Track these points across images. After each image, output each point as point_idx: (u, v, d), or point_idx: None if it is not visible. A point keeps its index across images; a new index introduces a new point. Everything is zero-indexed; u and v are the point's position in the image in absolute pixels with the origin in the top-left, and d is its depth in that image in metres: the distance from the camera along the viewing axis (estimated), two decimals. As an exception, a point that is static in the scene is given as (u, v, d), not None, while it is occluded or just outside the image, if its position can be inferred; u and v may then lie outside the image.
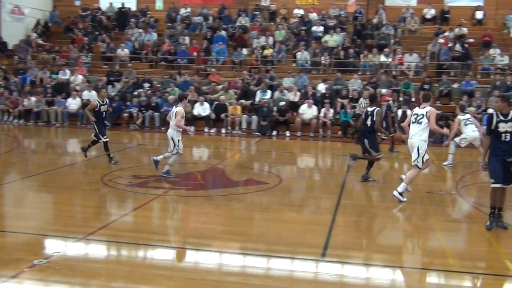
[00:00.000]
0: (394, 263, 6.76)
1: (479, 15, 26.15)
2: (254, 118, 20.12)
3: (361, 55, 23.53)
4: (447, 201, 10.49)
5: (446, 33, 24.17)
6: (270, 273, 6.43)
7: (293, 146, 18.46)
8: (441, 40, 23.40)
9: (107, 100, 13.35)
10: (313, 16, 26.73)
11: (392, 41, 24.20)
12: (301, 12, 27.12)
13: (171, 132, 11.11)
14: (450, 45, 23.10)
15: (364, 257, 6.98)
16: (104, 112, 12.95)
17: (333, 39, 24.26)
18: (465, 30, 24.57)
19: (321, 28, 25.51)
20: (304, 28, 25.74)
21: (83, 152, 12.92)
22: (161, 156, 11.41)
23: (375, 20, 25.75)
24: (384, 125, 14.15)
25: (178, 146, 11.08)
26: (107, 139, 12.79)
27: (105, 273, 6.06)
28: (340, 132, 19.49)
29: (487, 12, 26.30)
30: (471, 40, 23.70)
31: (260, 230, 8.20)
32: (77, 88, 22.29)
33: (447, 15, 26.09)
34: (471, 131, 13.56)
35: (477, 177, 12.89)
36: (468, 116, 13.95)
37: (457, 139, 13.77)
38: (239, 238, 7.59)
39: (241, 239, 7.57)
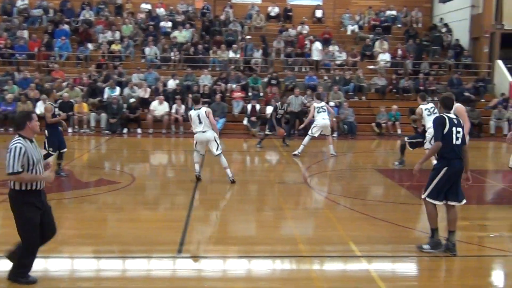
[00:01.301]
0: (249, 254, 6.94)
1: (318, 13, 27.86)
2: (103, 115, 19.42)
3: (210, 51, 23.81)
4: (296, 190, 11.00)
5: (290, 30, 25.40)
6: (126, 275, 6.26)
7: (145, 144, 18.14)
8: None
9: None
10: (161, 11, 26.46)
11: (240, 37, 24.80)
12: (149, 7, 26.70)
13: None
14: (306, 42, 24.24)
15: (220, 250, 7.08)
16: (58, 116, 11.33)
17: (182, 35, 24.22)
18: (306, 27, 25.98)
19: (170, 24, 25.37)
20: (152, 23, 25.37)
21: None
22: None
23: (222, 17, 26.21)
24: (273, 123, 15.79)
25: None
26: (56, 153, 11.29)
27: None
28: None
29: (326, 11, 28.12)
30: (312, 37, 25.06)
31: (114, 231, 7.94)
32: None
33: (290, 13, 27.39)
34: (321, 119, 14.17)
35: (322, 166, 13.73)
36: (322, 104, 14.56)
37: (310, 133, 14.39)
38: (91, 241, 7.28)
39: (94, 242, 7.26)
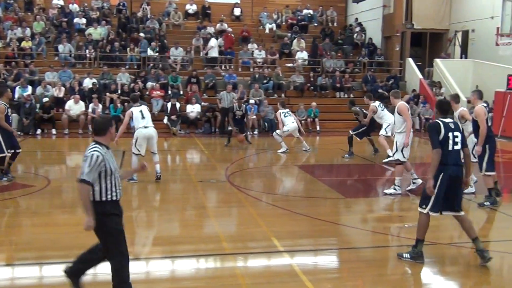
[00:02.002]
0: (173, 254, 6.86)
1: (237, 11, 28.01)
2: (15, 116, 18.43)
3: (128, 49, 23.28)
4: (218, 188, 11.00)
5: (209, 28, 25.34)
6: (43, 282, 6.01)
7: (61, 145, 17.45)
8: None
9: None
10: (74, 7, 25.60)
11: (158, 35, 24.42)
12: (61, 2, 25.78)
13: None
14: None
15: (143, 251, 6.96)
16: (10, 117, 10.72)
17: (97, 32, 23.53)
18: (225, 25, 26.02)
19: (84, 20, 24.58)
20: (65, 19, 24.43)
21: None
22: None
23: (139, 14, 25.71)
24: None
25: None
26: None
27: None
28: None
29: (244, 9, 28.32)
30: (231, 35, 25.14)
31: (29, 237, 7.59)
32: None
33: (208, 11, 27.30)
34: (291, 123, 15.00)
35: (244, 164, 13.81)
36: (287, 109, 15.46)
37: (278, 131, 15.12)
38: (4, 248, 6.92)
39: (7, 249, 6.92)
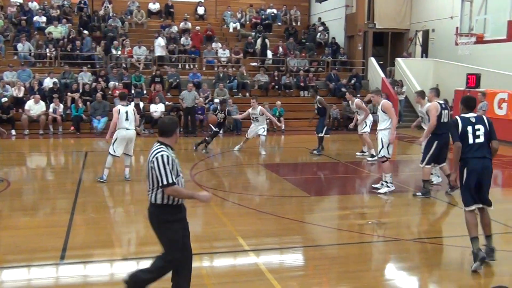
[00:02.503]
0: (137, 255, 6.79)
1: (200, 10, 27.89)
2: (-28, 117, 17.98)
3: (90, 48, 22.90)
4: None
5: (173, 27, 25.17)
6: (3, 287, 5.85)
7: (21, 146, 17.03)
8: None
9: None
10: (34, 5, 25.02)
11: (120, 33, 24.11)
12: (20, 0, 25.12)
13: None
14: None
15: (106, 254, 6.86)
16: None
17: (57, 30, 23.07)
18: (189, 24, 25.88)
19: (44, 19, 24.07)
20: (24, 18, 23.86)
21: None
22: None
23: (101, 12, 25.33)
24: None
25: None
26: None
27: None
28: (72, 128, 18.71)
29: (208, 8, 28.23)
30: (200, 33, 24.94)
31: (-12, 241, 7.40)
32: None
33: (171, 9, 27.10)
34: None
35: (209, 163, 13.76)
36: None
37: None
38: (-38, 253, 6.73)
39: (-35, 254, 6.72)
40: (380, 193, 10.22)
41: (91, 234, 7.74)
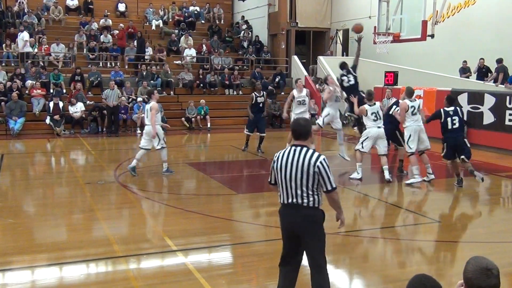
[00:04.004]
0: (60, 260, 6.54)
1: (121, 7, 27.27)
2: None
3: (4, 45, 21.82)
4: (107, 189, 10.64)
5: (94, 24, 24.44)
6: None
7: None
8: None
9: None
10: None
11: (37, 30, 23.12)
12: None
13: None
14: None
15: (27, 260, 6.55)
16: None
17: (-32, 27, 21.82)
18: (110, 21, 25.23)
19: (-48, 14, 22.67)
20: None
21: None
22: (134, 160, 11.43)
23: (15, 8, 24.18)
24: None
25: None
26: None
27: None
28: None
29: (129, 5, 27.66)
30: (116, 31, 24.41)
31: None
32: None
33: (91, 6, 26.32)
34: None
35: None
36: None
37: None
38: None
39: None
40: (407, 183, 10.90)
41: (10, 241, 7.37)
